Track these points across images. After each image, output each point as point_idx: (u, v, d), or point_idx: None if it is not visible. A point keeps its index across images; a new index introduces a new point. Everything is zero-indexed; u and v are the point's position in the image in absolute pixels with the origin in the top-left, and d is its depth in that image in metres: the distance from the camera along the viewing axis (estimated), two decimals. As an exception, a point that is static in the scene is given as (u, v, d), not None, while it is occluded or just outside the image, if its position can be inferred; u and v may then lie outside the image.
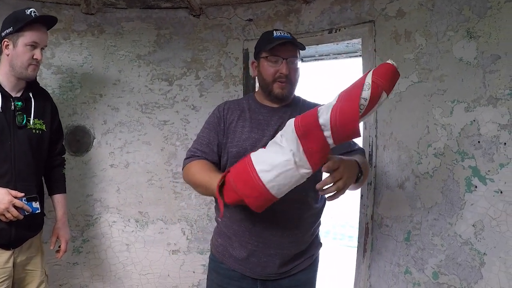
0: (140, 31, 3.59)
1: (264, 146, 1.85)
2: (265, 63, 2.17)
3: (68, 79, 3.47)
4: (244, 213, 2.08)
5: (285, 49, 2.13)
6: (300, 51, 2.21)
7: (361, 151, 2.30)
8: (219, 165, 2.19)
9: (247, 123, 2.17)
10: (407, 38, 2.75)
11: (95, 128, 3.53)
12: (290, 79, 2.15)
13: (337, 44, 3.15)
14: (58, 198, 2.78)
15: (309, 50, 3.32)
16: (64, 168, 2.86)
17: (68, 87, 3.47)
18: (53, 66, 3.43)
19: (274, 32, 2.19)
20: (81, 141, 3.49)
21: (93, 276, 3.52)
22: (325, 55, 3.36)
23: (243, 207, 1.89)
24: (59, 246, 2.75)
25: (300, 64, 2.22)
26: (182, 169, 2.23)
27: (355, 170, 1.89)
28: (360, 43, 3.02)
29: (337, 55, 3.30)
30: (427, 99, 2.62)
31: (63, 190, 2.82)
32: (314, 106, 2.28)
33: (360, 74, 2.95)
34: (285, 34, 2.17)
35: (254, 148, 1.96)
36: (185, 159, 2.23)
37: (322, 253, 2.40)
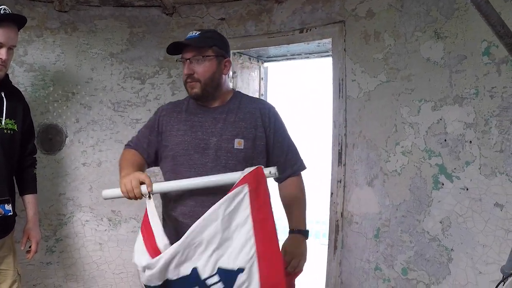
0: (113, 29, 3.58)
1: (195, 148, 1.99)
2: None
3: (40, 77, 3.44)
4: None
5: (189, 48, 2.06)
6: (215, 45, 2.08)
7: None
8: (148, 160, 2.19)
9: (181, 125, 2.11)
10: (376, 38, 2.79)
11: (68, 126, 3.50)
12: (198, 78, 2.04)
13: (308, 44, 3.18)
14: (29, 198, 2.73)
15: (281, 49, 3.36)
16: (36, 168, 2.80)
17: (40, 85, 3.44)
18: (26, 63, 3.40)
19: (190, 32, 2.10)
20: (54, 139, 3.46)
21: (66, 276, 3.50)
22: (296, 55, 3.39)
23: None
24: (30, 247, 2.71)
25: (210, 60, 2.06)
26: None
27: (304, 246, 2.03)
28: (331, 43, 3.04)
29: (308, 54, 3.33)
30: (395, 98, 2.66)
31: (34, 191, 2.76)
32: (254, 102, 2.20)
33: (330, 74, 3.00)
34: (193, 34, 2.08)
35: (187, 151, 2.01)
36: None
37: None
